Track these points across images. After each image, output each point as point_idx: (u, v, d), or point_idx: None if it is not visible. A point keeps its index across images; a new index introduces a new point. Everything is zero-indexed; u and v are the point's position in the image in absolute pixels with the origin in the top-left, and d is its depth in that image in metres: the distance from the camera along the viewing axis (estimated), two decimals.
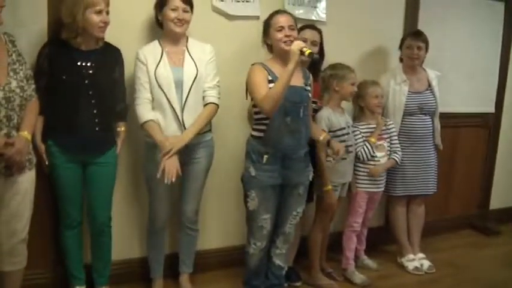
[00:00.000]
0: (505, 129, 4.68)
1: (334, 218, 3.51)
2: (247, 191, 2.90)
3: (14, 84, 2.38)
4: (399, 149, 3.54)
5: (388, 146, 3.51)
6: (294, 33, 2.80)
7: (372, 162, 3.44)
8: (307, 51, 2.60)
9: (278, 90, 2.62)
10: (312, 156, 3.08)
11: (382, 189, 3.57)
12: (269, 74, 2.78)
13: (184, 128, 2.86)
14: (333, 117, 3.19)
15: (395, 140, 3.55)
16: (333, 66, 3.27)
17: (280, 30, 2.78)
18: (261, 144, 2.83)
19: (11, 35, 2.48)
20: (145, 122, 2.82)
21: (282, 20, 2.80)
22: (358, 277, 3.47)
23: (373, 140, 3.40)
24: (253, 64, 2.85)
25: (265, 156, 2.82)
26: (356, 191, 3.47)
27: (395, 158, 3.53)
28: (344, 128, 3.24)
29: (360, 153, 3.41)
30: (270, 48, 2.89)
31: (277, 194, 2.90)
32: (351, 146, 3.29)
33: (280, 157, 2.83)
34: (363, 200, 3.50)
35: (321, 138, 3.08)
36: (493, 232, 4.60)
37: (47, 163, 2.73)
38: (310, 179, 3.02)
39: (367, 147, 3.40)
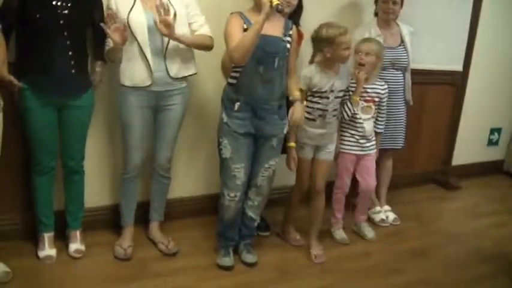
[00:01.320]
0: (471, 88, 4.76)
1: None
2: (220, 138, 2.90)
3: None
4: (383, 118, 3.48)
5: (377, 110, 3.40)
6: None
7: (356, 124, 3.33)
8: (274, 2, 2.56)
9: (247, 41, 2.60)
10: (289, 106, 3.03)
11: (370, 152, 3.43)
12: (245, 23, 2.73)
13: (168, 73, 2.82)
14: (316, 77, 3.04)
15: (384, 108, 3.46)
16: (326, 27, 2.98)
17: None
18: (234, 92, 2.82)
19: None
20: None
21: None
22: (340, 235, 3.51)
23: (354, 98, 3.23)
24: (231, 13, 2.79)
25: (237, 104, 2.81)
26: (339, 152, 3.38)
27: (380, 131, 3.50)
28: (325, 92, 3.06)
29: (342, 111, 3.27)
30: None
31: (250, 144, 2.90)
32: (326, 111, 3.09)
33: (251, 106, 2.82)
34: (349, 163, 3.41)
35: (290, 98, 2.93)
36: (454, 187, 4.77)
37: (19, 86, 2.60)
38: (285, 132, 3.00)
39: (347, 105, 3.25)
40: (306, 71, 3.10)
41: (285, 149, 3.15)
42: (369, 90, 3.32)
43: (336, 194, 3.51)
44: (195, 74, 3.00)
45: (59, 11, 2.59)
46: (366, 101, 3.32)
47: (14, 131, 2.70)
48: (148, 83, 2.80)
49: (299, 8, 3.20)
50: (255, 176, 3.00)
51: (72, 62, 2.66)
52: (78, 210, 3.01)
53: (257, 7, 2.74)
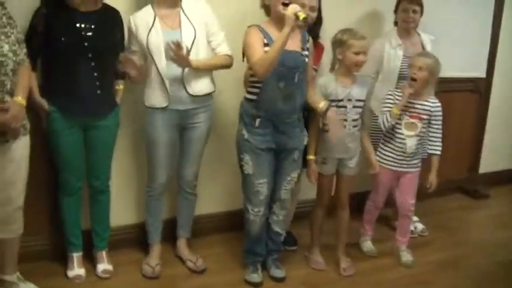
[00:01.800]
0: (495, 94, 4.71)
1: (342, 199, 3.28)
2: (240, 154, 2.89)
3: (6, 48, 2.30)
4: (439, 138, 3.26)
5: (425, 129, 3.23)
6: None
7: (396, 139, 3.23)
8: (301, 16, 2.54)
9: (272, 55, 2.60)
10: (307, 122, 3.06)
11: (411, 170, 3.30)
12: (265, 37, 2.73)
13: (187, 92, 2.83)
14: (331, 86, 3.00)
15: (439, 126, 3.26)
16: (342, 31, 2.99)
17: None
18: (254, 107, 2.81)
19: None
20: None
21: None
22: (367, 246, 3.47)
23: (395, 111, 3.14)
24: (249, 26, 2.79)
25: (258, 120, 2.80)
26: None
27: (437, 153, 3.28)
28: (341, 101, 3.00)
29: (379, 120, 3.24)
30: (268, 10, 2.82)
31: (272, 159, 2.89)
32: (345, 121, 3.02)
33: (272, 121, 2.81)
34: (385, 177, 3.31)
35: (320, 106, 2.90)
36: (482, 195, 4.70)
37: (47, 109, 2.66)
38: (305, 143, 3.00)
39: (386, 117, 3.17)
40: (322, 79, 3.08)
41: (304, 162, 3.13)
42: (417, 105, 3.21)
43: (368, 205, 3.48)
44: (214, 91, 3.00)
45: (83, 33, 2.63)
46: (411, 116, 3.20)
47: (41, 153, 2.74)
48: (164, 104, 2.82)
49: (318, 20, 3.22)
50: (277, 190, 2.99)
51: (98, 83, 2.70)
52: (104, 230, 3.03)
53: (275, 20, 2.75)
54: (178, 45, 2.66)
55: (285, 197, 3.02)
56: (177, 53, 2.67)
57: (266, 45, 2.71)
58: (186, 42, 2.76)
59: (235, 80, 3.18)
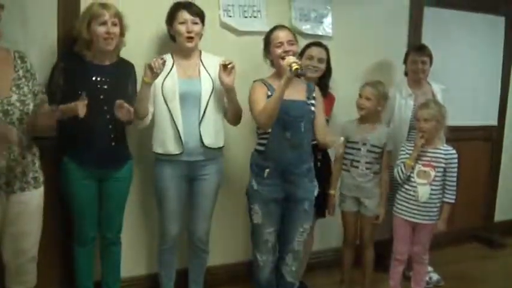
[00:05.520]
0: (507, 141, 4.72)
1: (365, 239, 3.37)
2: (250, 204, 2.91)
3: (14, 98, 2.34)
4: (452, 186, 3.21)
5: (439, 178, 3.19)
6: (294, 48, 2.79)
7: (409, 188, 3.21)
8: (293, 67, 2.58)
9: (270, 105, 2.65)
10: (321, 169, 3.15)
11: (425, 222, 3.21)
12: (269, 90, 2.79)
13: (202, 143, 2.85)
14: (351, 129, 3.27)
15: (453, 174, 3.22)
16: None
17: (279, 46, 2.78)
18: (263, 159, 2.84)
19: (22, 52, 2.47)
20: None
21: (281, 36, 2.81)
22: None
23: (408, 162, 3.17)
24: (255, 81, 2.86)
25: (266, 171, 2.82)
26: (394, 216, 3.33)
27: (449, 201, 3.22)
28: (356, 143, 3.22)
29: (394, 172, 3.25)
30: (272, 63, 2.90)
31: (280, 208, 2.90)
32: (358, 162, 3.22)
33: (280, 171, 2.82)
34: (400, 227, 3.27)
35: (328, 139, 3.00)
36: (498, 245, 4.63)
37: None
38: (316, 194, 3.00)
39: (401, 168, 3.21)
40: (343, 123, 3.36)
41: (322, 212, 3.25)
42: (429, 154, 3.21)
43: (393, 260, 3.37)
44: (223, 146, 3.02)
45: (98, 86, 2.70)
46: (423, 165, 3.20)
47: (53, 203, 2.76)
48: (178, 151, 2.83)
49: (328, 71, 3.27)
50: (291, 241, 2.98)
51: (112, 135, 2.75)
52: (115, 282, 3.01)
53: (278, 72, 2.82)
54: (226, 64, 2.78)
55: (298, 248, 3.00)
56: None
57: (269, 97, 2.75)
58: (204, 93, 2.84)
59: (245, 131, 3.24)
